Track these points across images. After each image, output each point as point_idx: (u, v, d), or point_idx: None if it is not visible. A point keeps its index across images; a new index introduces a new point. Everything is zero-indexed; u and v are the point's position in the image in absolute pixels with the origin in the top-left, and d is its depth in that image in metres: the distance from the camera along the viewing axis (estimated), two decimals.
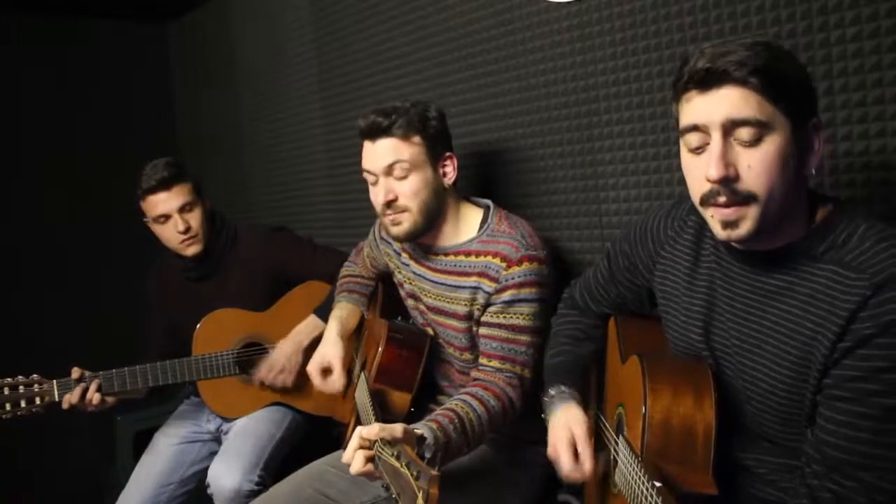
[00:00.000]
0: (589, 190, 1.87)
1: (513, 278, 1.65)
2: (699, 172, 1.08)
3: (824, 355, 1.03)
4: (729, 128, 1.04)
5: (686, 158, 1.12)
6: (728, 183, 1.05)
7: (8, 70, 3.24)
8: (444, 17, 2.20)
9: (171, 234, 2.28)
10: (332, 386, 1.94)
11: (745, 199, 1.05)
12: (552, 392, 1.46)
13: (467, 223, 1.78)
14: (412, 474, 1.12)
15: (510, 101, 2.03)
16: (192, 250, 2.31)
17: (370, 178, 1.74)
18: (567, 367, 1.50)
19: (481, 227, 1.76)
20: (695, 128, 1.07)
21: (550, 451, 1.40)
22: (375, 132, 1.69)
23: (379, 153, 1.70)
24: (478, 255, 1.71)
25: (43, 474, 3.25)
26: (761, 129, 1.03)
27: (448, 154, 1.75)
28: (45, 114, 3.35)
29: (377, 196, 1.72)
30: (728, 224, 1.08)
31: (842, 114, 1.37)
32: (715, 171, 1.04)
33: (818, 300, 1.05)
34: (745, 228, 1.07)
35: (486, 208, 1.80)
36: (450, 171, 1.75)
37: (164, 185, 2.24)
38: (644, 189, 1.74)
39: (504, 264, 1.66)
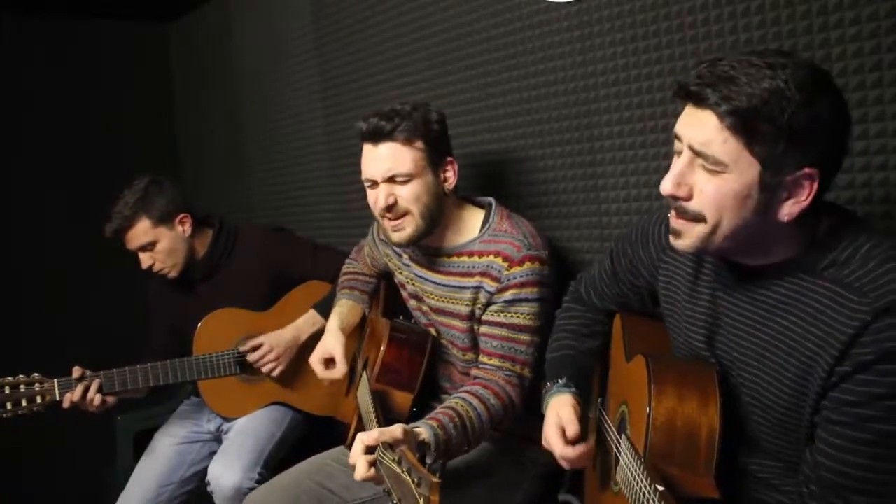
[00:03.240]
0: (589, 190, 1.87)
1: (515, 278, 1.65)
2: None
3: (822, 377, 1.02)
4: (696, 151, 1.06)
5: (674, 157, 1.14)
6: (677, 200, 1.09)
7: (8, 70, 3.24)
8: (444, 17, 2.20)
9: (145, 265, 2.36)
10: (334, 374, 1.94)
11: (694, 217, 1.09)
12: (549, 384, 1.47)
13: (469, 224, 1.78)
14: (413, 480, 1.11)
15: (510, 101, 2.03)
16: (170, 277, 2.36)
17: (368, 182, 1.72)
18: (567, 362, 1.51)
19: (483, 226, 1.75)
20: (676, 136, 1.11)
21: (543, 440, 1.40)
22: (378, 136, 1.67)
23: (381, 157, 1.68)
24: (480, 255, 1.71)
25: (43, 474, 3.25)
26: (720, 165, 1.03)
27: (449, 159, 1.74)
28: (44, 114, 3.34)
29: (377, 200, 1.70)
30: (673, 232, 1.13)
31: None
32: (666, 186, 1.10)
33: (818, 319, 1.04)
34: (686, 242, 1.12)
35: (489, 207, 1.79)
36: (450, 175, 1.74)
37: (117, 234, 2.30)
38: (644, 189, 1.75)
39: (506, 264, 1.66)
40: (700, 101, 1.04)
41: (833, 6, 1.36)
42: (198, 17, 3.60)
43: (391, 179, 1.68)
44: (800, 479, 1.09)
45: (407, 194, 1.68)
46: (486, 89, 2.10)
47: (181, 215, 2.35)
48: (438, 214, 1.73)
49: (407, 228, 1.70)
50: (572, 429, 1.35)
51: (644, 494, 1.06)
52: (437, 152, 1.71)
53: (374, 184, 1.71)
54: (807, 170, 1.02)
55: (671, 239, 1.15)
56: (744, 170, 1.02)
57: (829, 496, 1.02)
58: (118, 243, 2.33)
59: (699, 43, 1.57)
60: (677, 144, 1.11)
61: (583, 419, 1.39)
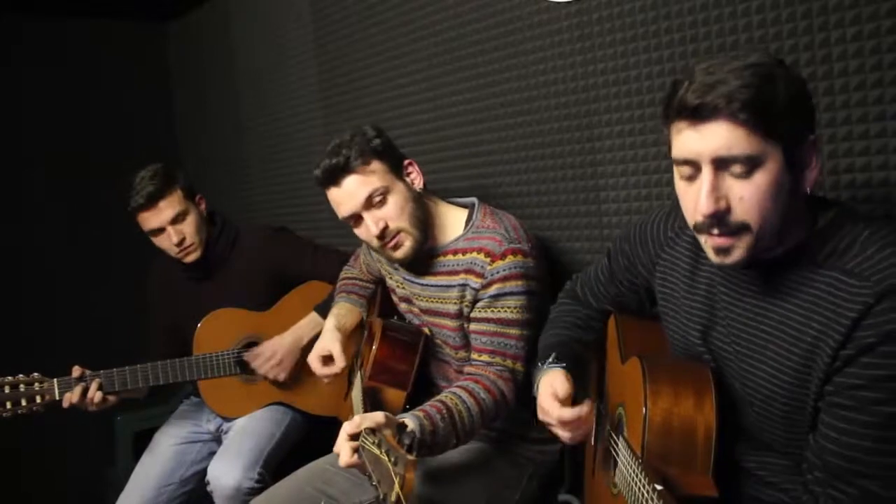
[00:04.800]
0: (589, 190, 1.87)
1: (497, 272, 1.65)
2: (692, 200, 1.09)
3: (826, 362, 1.02)
4: (720, 163, 1.04)
5: (679, 185, 1.12)
6: (719, 216, 1.05)
7: (8, 70, 3.24)
8: (444, 17, 2.20)
9: (167, 245, 2.29)
10: (333, 369, 1.92)
11: (738, 229, 1.06)
12: (539, 364, 1.47)
13: (452, 223, 1.78)
14: (390, 461, 1.13)
15: (510, 101, 2.03)
16: (191, 258, 2.32)
17: (350, 220, 1.72)
18: (557, 344, 1.51)
19: (466, 224, 1.76)
20: (686, 162, 1.08)
21: (539, 413, 1.41)
22: (336, 174, 1.68)
23: (351, 192, 1.68)
24: (464, 252, 1.72)
25: (43, 474, 3.25)
26: (752, 163, 1.02)
27: (406, 162, 1.76)
28: (45, 114, 3.35)
29: (368, 231, 1.70)
30: (720, 251, 1.09)
31: (842, 114, 1.37)
32: (706, 208, 1.05)
33: (820, 307, 1.04)
34: (737, 255, 1.08)
35: (472, 206, 1.80)
36: (414, 175, 1.76)
37: (152, 201, 2.23)
38: (644, 189, 1.75)
39: (488, 259, 1.66)
40: (707, 112, 1.02)
41: (833, 6, 1.36)
42: (198, 17, 3.60)
43: (369, 204, 1.68)
44: (804, 467, 1.09)
45: (391, 211, 1.68)
46: (486, 89, 2.10)
47: (199, 195, 2.38)
48: (426, 216, 1.74)
49: (406, 243, 1.71)
50: (563, 390, 1.36)
51: (643, 495, 1.06)
52: (393, 162, 1.72)
53: (357, 218, 1.71)
54: (810, 136, 1.05)
55: (717, 260, 1.10)
56: (772, 158, 1.03)
57: (834, 481, 1.02)
58: (136, 221, 2.27)
59: (699, 43, 1.57)
60: (686, 170, 1.08)
61: (576, 385, 1.39)
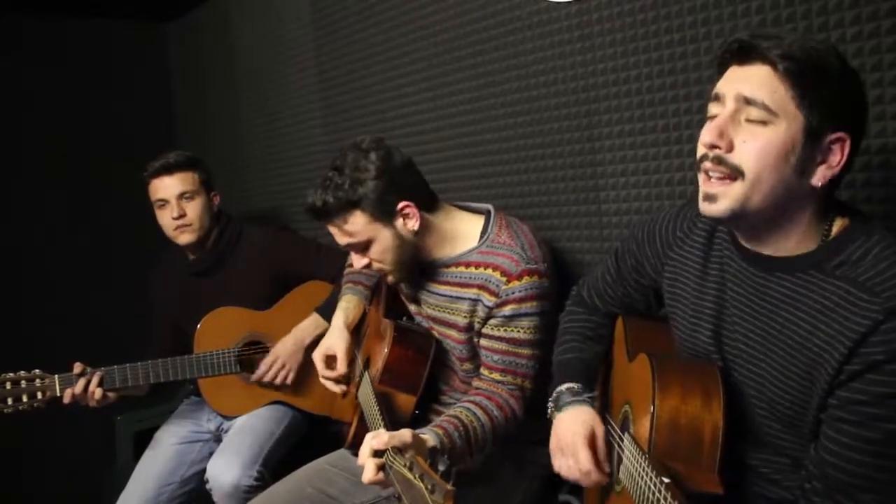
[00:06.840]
0: (589, 190, 1.87)
1: (513, 293, 1.63)
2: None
3: (830, 375, 1.02)
4: (741, 103, 1.06)
5: (704, 126, 1.13)
6: (716, 150, 1.07)
7: (8, 70, 3.24)
8: (444, 17, 2.20)
9: (166, 220, 2.33)
10: (334, 373, 1.94)
11: (732, 172, 1.06)
12: (563, 388, 1.45)
13: (465, 234, 1.76)
14: (426, 487, 1.09)
15: (510, 101, 2.03)
16: (184, 238, 2.34)
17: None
18: (579, 367, 1.49)
19: (482, 236, 1.73)
20: (716, 97, 1.10)
21: (555, 445, 1.39)
22: (319, 217, 1.70)
23: (335, 233, 1.72)
24: (477, 266, 1.70)
25: (43, 474, 3.25)
26: (769, 114, 1.04)
27: (402, 205, 1.66)
28: (45, 114, 3.35)
29: (356, 262, 1.76)
30: (708, 197, 1.10)
31: None
32: (708, 136, 1.08)
33: (827, 316, 1.04)
34: (722, 206, 1.08)
35: (487, 214, 1.77)
36: (410, 219, 1.68)
37: (167, 170, 2.31)
38: (644, 189, 1.75)
39: (504, 278, 1.64)
40: (753, 53, 1.05)
41: (833, 6, 1.36)
42: (198, 17, 3.60)
43: (356, 249, 1.72)
44: (802, 475, 1.09)
45: (373, 255, 1.71)
46: (486, 89, 2.10)
47: (215, 192, 2.42)
48: (412, 254, 1.73)
49: (390, 277, 1.77)
50: (605, 461, 1.34)
51: (650, 489, 1.06)
52: (380, 208, 1.65)
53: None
54: (841, 133, 1.05)
55: (703, 206, 1.11)
56: (790, 122, 1.04)
57: (833, 493, 1.03)
58: (148, 187, 2.34)
59: (699, 43, 1.57)
60: (713, 107, 1.10)
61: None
